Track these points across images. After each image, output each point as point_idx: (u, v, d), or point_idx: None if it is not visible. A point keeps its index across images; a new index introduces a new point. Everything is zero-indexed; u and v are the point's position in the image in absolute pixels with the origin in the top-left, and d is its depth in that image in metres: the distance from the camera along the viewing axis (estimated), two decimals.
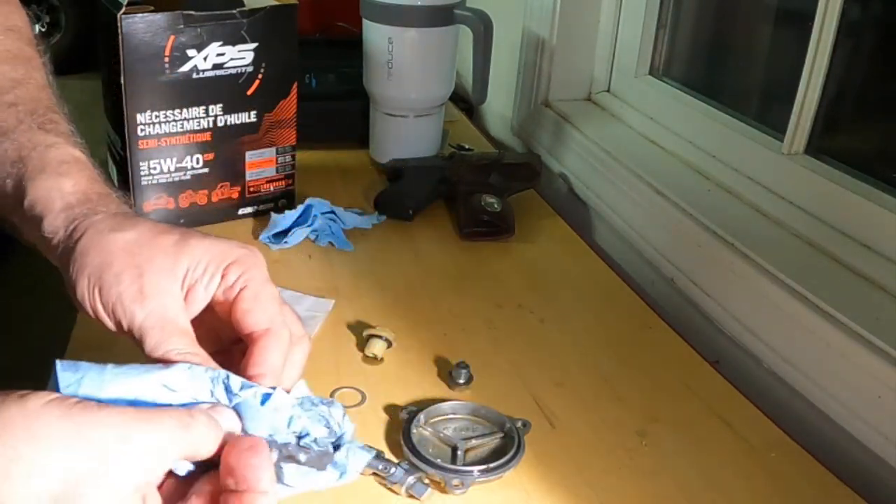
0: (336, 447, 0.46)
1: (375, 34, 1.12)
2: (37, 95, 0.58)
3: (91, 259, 0.46)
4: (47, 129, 0.54)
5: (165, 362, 0.44)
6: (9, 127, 0.54)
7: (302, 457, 0.44)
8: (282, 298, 0.49)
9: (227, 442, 0.41)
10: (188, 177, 0.96)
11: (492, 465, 0.62)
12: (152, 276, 0.46)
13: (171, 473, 0.41)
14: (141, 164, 0.92)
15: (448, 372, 0.74)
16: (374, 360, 0.76)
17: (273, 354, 0.47)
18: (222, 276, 0.48)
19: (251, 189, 1.02)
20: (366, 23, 1.13)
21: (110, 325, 0.47)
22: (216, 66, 0.92)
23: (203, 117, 0.94)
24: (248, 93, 0.96)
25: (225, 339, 0.51)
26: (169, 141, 0.93)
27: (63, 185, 0.50)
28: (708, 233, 0.89)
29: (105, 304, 0.46)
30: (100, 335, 0.76)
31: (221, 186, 0.99)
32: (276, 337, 0.47)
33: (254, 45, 0.94)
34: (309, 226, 0.97)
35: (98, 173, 0.54)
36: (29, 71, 0.60)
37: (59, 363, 0.41)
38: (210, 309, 0.49)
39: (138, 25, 0.86)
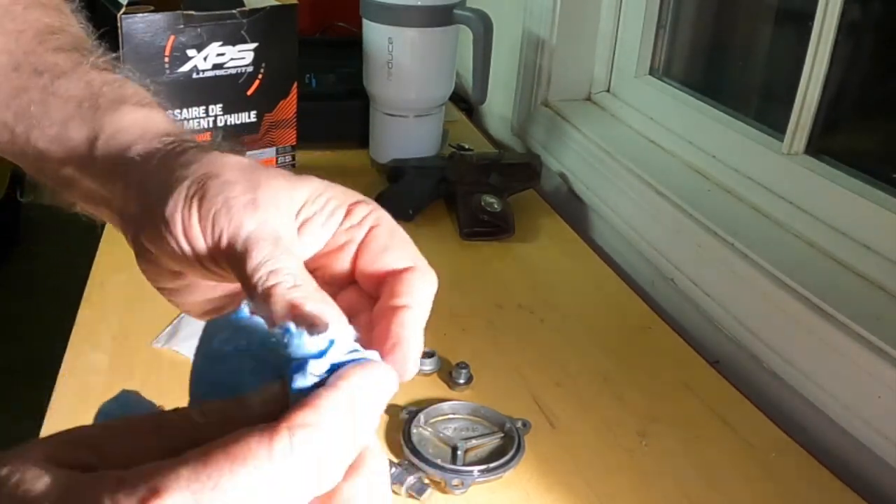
0: None
1: (375, 34, 1.12)
2: (83, 38, 0.51)
3: (194, 169, 0.36)
4: (108, 68, 0.46)
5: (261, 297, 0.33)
6: (65, 69, 0.46)
7: None
8: None
9: None
10: None
11: (492, 465, 0.62)
12: (269, 192, 0.36)
13: None
14: None
15: (448, 372, 0.74)
16: None
17: (424, 288, 0.38)
18: (347, 213, 0.39)
19: None
20: (366, 23, 1.13)
21: (202, 243, 0.35)
22: (216, 66, 0.92)
23: (203, 117, 0.94)
24: (248, 93, 0.96)
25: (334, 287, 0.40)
26: None
27: (154, 116, 0.43)
28: (708, 233, 0.89)
29: (203, 215, 0.35)
30: (99, 336, 0.76)
31: None
32: (423, 274, 0.39)
33: (254, 45, 0.94)
34: None
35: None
36: (65, 18, 0.52)
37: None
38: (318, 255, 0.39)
39: (138, 25, 0.86)
